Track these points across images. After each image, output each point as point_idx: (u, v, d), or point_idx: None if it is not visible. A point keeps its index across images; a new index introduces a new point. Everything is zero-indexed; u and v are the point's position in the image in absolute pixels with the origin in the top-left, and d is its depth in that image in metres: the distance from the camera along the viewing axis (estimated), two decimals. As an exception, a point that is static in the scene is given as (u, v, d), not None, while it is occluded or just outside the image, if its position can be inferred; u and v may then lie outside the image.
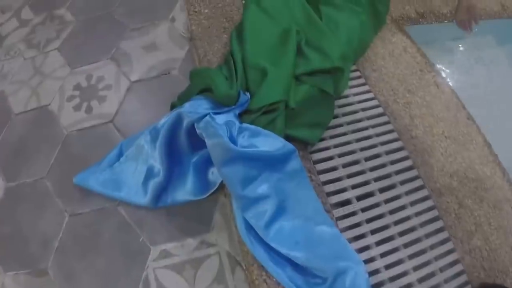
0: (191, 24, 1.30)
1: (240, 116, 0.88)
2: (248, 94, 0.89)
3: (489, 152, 1.14)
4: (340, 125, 1.06)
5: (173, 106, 1.01)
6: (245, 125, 0.84)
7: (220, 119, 0.83)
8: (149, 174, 0.99)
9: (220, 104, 0.87)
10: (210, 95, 0.89)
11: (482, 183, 1.09)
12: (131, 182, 1.05)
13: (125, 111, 1.22)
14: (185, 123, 0.87)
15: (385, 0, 1.24)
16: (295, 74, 0.94)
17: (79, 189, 1.08)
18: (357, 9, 1.12)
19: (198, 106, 0.86)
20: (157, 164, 0.96)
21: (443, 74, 1.29)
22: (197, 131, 0.85)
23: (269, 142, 0.81)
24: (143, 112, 1.20)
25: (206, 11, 1.34)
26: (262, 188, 0.82)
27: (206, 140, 0.82)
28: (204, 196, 1.00)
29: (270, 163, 0.82)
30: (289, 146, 0.84)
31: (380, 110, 1.11)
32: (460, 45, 1.57)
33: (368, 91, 1.14)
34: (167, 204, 1.03)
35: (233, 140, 0.79)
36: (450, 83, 1.28)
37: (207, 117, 0.82)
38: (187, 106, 0.86)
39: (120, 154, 1.10)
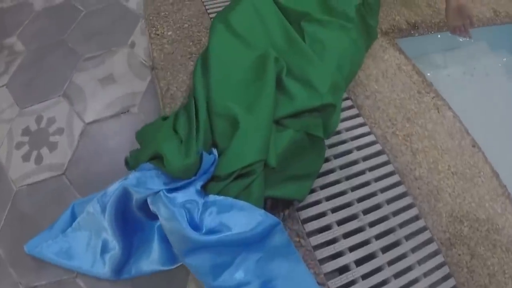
0: (152, 50, 1.12)
1: (206, 184, 0.70)
2: (215, 151, 0.71)
3: (498, 184, 1.00)
4: (332, 171, 0.90)
5: (127, 163, 0.84)
6: (211, 197, 0.67)
7: (177, 197, 0.65)
8: (105, 247, 0.82)
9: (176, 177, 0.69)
10: (161, 166, 0.71)
11: (494, 223, 0.95)
12: (87, 253, 0.88)
13: (79, 160, 1.04)
14: (134, 199, 0.70)
15: (375, 12, 1.07)
16: (275, 118, 0.77)
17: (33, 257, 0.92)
18: (346, 25, 0.93)
19: (147, 180, 0.68)
20: (110, 237, 0.79)
21: (441, 93, 1.13)
22: (150, 207, 0.68)
23: (244, 219, 0.64)
24: (99, 162, 1.02)
25: (169, 33, 1.15)
26: (239, 274, 0.66)
27: (161, 221, 0.65)
28: (174, 266, 0.84)
29: (247, 243, 0.66)
30: (271, 219, 0.68)
31: (378, 147, 0.95)
32: (452, 57, 1.42)
33: (362, 124, 0.98)
34: (132, 276, 0.87)
35: (195, 225, 0.62)
36: (450, 103, 1.13)
37: (160, 196, 0.65)
38: (132, 179, 0.69)
39: (72, 217, 0.93)
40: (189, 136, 0.69)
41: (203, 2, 1.26)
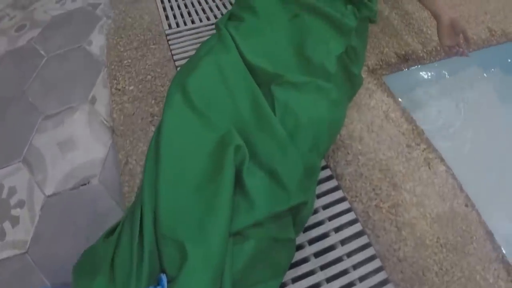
0: (113, 109, 1.03)
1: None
2: (164, 278, 0.63)
3: (492, 247, 0.91)
4: (306, 260, 0.82)
5: None
6: None
7: None
8: None
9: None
10: None
11: (487, 299, 0.86)
12: None
13: (41, 238, 0.98)
14: None
15: (361, 56, 0.94)
16: (234, 230, 0.67)
17: None
18: (324, 86, 0.79)
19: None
20: None
21: (432, 140, 1.02)
22: None
23: None
24: (60, 241, 0.96)
25: (131, 88, 1.06)
26: None
27: None
28: None
29: None
30: None
31: (358, 227, 0.86)
32: (443, 88, 1.28)
33: (342, 199, 0.89)
34: None
35: None
36: (442, 150, 1.02)
37: None
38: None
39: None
40: (129, 275, 0.60)
41: (169, 45, 1.15)
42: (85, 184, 1.00)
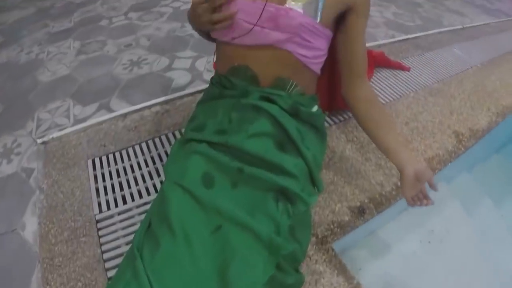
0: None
1: None
2: None
3: None
4: None
5: None
6: None
7: None
8: None
9: None
10: None
11: None
12: None
13: None
14: None
15: (306, 232, 0.91)
16: None
17: None
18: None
19: None
20: None
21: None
22: None
23: None
24: None
25: (63, 297, 1.06)
26: None
27: None
28: None
29: None
30: None
31: None
32: (405, 225, 1.29)
33: None
34: None
35: None
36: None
37: None
38: None
39: None
40: None
41: (99, 237, 1.15)
42: None
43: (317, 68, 1.04)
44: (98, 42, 2.34)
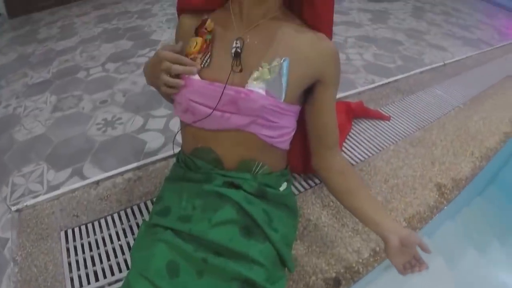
0: None
1: None
2: None
3: None
4: None
5: None
6: None
7: None
8: None
9: None
10: None
11: None
12: None
13: None
14: None
15: None
16: None
17: None
18: None
19: None
20: None
21: None
22: None
23: None
24: None
25: None
26: None
27: None
28: None
29: None
30: None
31: None
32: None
33: None
34: None
35: None
36: None
37: None
38: None
39: None
40: None
41: None
42: None
43: (285, 145, 1.02)
44: (74, 97, 2.42)
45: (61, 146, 1.94)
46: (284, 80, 0.87)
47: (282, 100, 0.89)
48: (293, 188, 1.50)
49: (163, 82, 0.87)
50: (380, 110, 2.15)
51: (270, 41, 0.91)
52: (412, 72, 2.65)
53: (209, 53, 0.92)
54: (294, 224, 1.09)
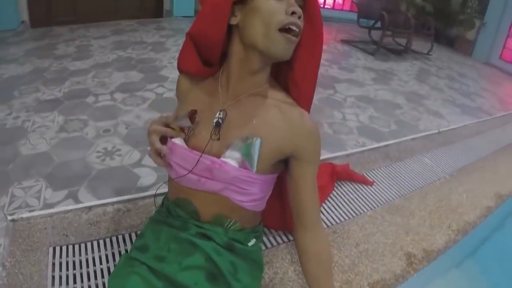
0: None
1: None
2: None
3: None
4: None
5: None
6: None
7: None
8: None
9: None
10: None
11: None
12: None
13: None
14: None
15: None
16: None
17: None
18: None
19: None
20: None
21: None
22: None
23: None
24: None
25: None
26: None
27: None
28: None
29: None
30: None
31: None
32: None
33: None
34: None
35: None
36: None
37: None
38: None
39: None
40: None
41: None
42: None
43: (258, 208, 1.10)
44: (80, 121, 2.65)
45: (61, 167, 2.13)
46: (255, 156, 0.96)
47: (254, 171, 0.97)
48: (266, 241, 1.65)
49: (153, 149, 0.99)
50: (365, 174, 2.18)
51: (249, 117, 0.99)
52: (403, 138, 2.67)
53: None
54: (258, 276, 1.18)
